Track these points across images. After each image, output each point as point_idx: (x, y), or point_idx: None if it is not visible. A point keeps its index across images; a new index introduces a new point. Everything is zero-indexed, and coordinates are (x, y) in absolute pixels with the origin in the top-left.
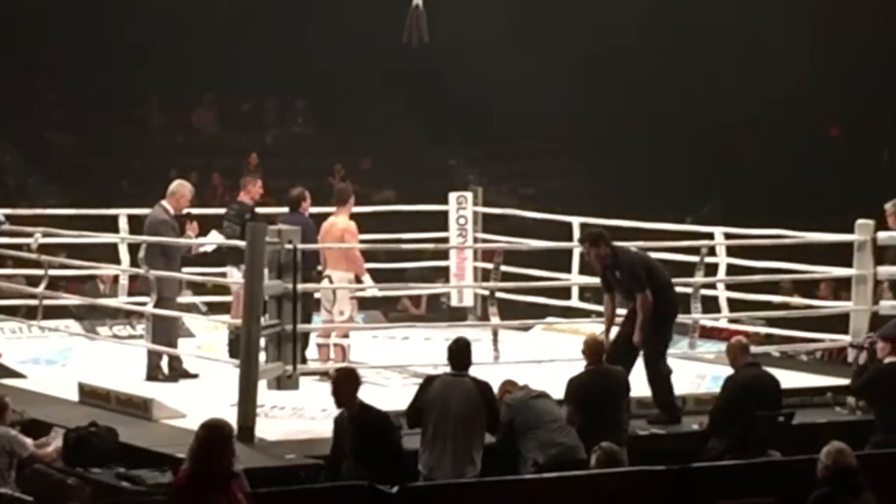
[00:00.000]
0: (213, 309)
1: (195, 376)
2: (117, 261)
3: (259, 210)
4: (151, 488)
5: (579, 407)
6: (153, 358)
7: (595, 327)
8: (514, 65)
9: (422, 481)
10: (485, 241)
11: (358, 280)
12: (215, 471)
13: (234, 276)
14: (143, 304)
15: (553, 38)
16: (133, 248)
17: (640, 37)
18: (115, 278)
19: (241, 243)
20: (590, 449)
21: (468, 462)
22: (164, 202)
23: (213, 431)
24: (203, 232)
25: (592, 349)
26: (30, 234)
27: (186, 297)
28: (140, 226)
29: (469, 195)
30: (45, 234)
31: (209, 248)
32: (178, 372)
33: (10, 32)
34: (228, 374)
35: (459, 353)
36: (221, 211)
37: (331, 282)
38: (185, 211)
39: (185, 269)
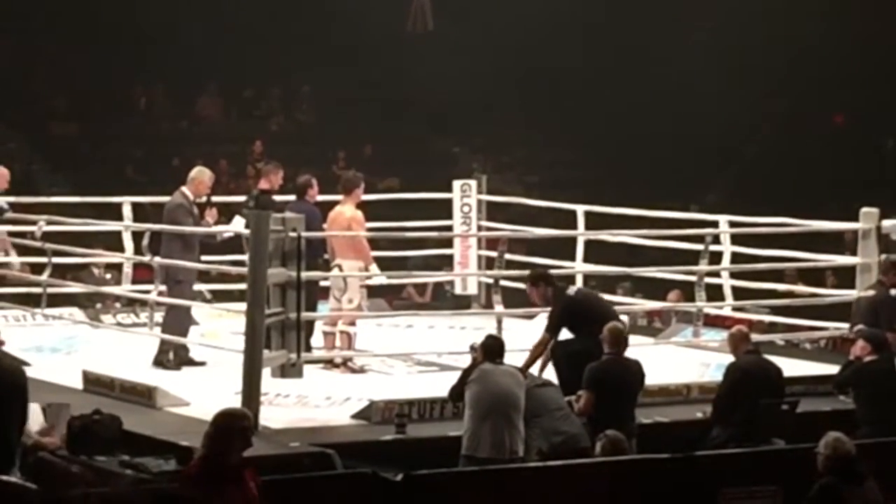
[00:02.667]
0: (218, 297)
1: (202, 364)
2: (120, 249)
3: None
4: (155, 476)
5: (597, 394)
6: (165, 345)
7: None
8: (519, 51)
9: (463, 463)
10: (489, 229)
11: (365, 269)
12: (230, 460)
13: None
14: (148, 291)
15: (557, 25)
16: (136, 236)
17: (643, 26)
18: (108, 265)
19: None
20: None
21: (520, 438)
22: (183, 188)
23: (228, 420)
24: (226, 219)
25: (615, 338)
26: (34, 222)
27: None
28: (144, 214)
29: (473, 183)
30: (49, 222)
31: (229, 235)
32: (182, 360)
33: (12, 19)
34: (232, 362)
35: (500, 346)
36: (226, 199)
37: (341, 270)
38: (205, 197)
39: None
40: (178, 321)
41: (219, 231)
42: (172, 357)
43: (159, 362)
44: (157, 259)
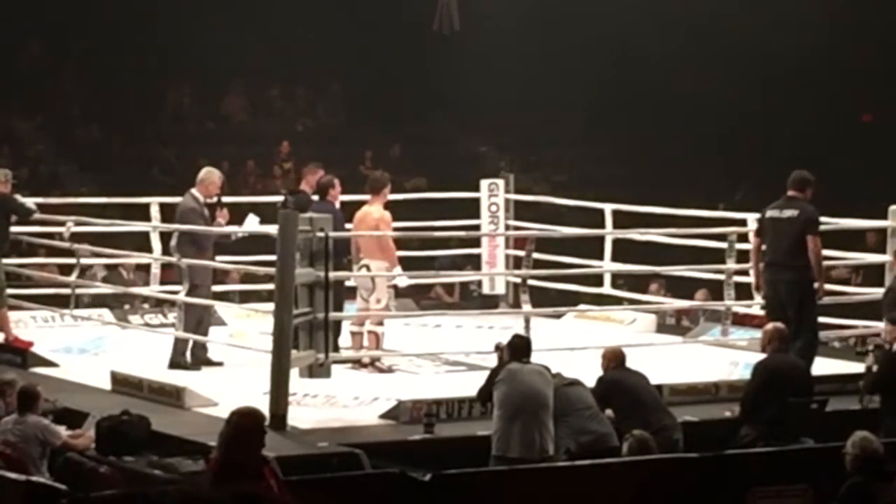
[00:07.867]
0: (246, 297)
1: (219, 364)
2: (149, 249)
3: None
4: (184, 476)
5: (610, 405)
6: (179, 346)
7: (626, 315)
8: (545, 50)
9: (493, 463)
10: (516, 228)
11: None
12: (248, 458)
13: None
14: (175, 292)
15: (583, 24)
16: (164, 237)
17: (669, 24)
18: (138, 266)
19: None
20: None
21: (550, 437)
22: (193, 190)
23: (247, 419)
24: (237, 218)
25: (615, 357)
26: (62, 223)
27: (227, 286)
28: (172, 214)
29: (500, 182)
30: (77, 223)
31: (243, 234)
32: (199, 360)
33: (39, 21)
34: (260, 362)
35: (526, 345)
36: (253, 199)
37: (368, 271)
38: (215, 198)
39: (225, 258)
40: (193, 323)
41: (232, 231)
42: (189, 357)
43: (176, 364)
44: (185, 260)
